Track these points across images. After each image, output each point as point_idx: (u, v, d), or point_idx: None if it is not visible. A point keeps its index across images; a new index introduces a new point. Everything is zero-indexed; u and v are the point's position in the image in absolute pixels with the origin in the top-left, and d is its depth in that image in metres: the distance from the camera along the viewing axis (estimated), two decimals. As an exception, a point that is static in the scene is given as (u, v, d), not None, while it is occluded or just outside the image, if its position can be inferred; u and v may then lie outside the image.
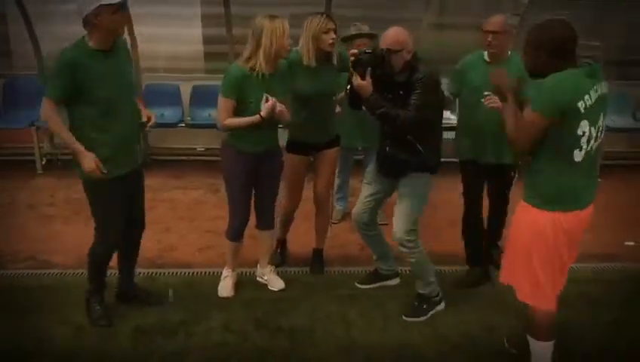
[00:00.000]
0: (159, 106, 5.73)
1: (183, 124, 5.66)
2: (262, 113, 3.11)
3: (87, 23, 2.73)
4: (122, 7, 2.75)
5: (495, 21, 3.30)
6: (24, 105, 5.65)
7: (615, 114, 5.88)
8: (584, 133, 2.35)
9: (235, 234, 3.47)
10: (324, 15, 3.37)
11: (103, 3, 2.68)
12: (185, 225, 4.54)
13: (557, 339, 2.76)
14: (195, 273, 3.81)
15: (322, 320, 3.31)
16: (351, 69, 3.03)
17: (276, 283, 3.63)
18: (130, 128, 2.99)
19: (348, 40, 4.05)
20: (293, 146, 3.57)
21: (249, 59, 3.12)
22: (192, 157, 5.85)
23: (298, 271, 3.84)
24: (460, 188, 3.61)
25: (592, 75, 2.36)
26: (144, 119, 3.08)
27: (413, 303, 3.37)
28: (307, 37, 3.34)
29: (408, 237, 3.17)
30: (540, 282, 2.55)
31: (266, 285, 3.64)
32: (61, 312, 3.31)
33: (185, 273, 3.80)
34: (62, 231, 4.42)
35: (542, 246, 2.50)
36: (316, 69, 3.37)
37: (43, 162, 5.70)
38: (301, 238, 4.08)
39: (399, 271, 3.65)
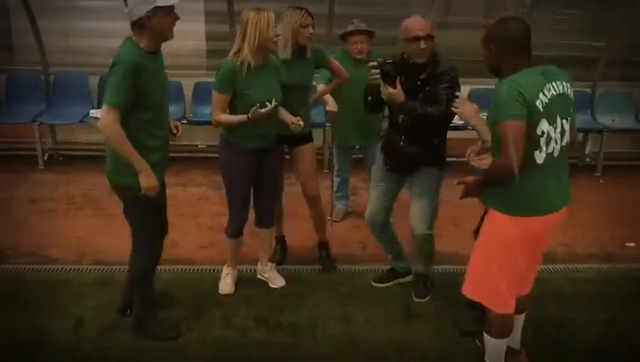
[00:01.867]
0: (161, 103, 5.76)
1: (185, 121, 5.66)
2: (250, 115, 3.09)
3: (138, 25, 2.63)
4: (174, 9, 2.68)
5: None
6: (26, 100, 5.67)
7: (617, 114, 5.88)
8: (543, 132, 2.32)
9: (235, 231, 3.47)
10: (304, 10, 3.39)
11: (158, 5, 2.59)
12: (186, 222, 4.54)
13: (555, 337, 2.77)
14: (196, 270, 3.81)
15: (323, 317, 3.31)
16: (371, 81, 3.09)
17: (277, 281, 3.63)
18: (169, 132, 2.97)
19: (345, 37, 4.07)
20: None
21: (238, 52, 3.13)
22: (193, 154, 5.85)
23: (299, 269, 3.84)
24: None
25: (545, 74, 2.35)
26: (173, 129, 3.05)
27: (419, 284, 3.50)
28: (286, 30, 3.36)
29: (430, 232, 3.30)
30: (499, 287, 2.54)
31: (266, 282, 3.64)
32: (61, 306, 3.32)
33: (186, 270, 3.80)
34: (63, 225, 4.42)
35: (502, 251, 2.48)
36: (291, 62, 3.40)
37: (45, 157, 5.69)
38: (301, 237, 4.09)
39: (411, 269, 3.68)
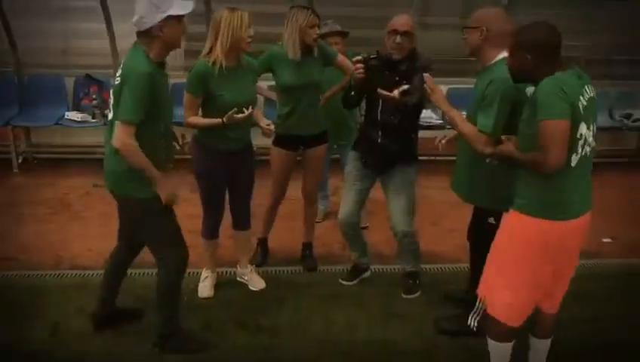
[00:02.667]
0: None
1: (163, 123, 5.60)
2: (225, 120, 3.05)
3: (148, 34, 2.54)
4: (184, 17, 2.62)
5: (474, 15, 2.82)
6: (0, 103, 5.55)
7: (593, 113, 5.97)
8: (581, 135, 2.28)
9: (210, 232, 3.44)
10: (310, 9, 3.39)
11: (171, 13, 2.52)
12: (165, 225, 4.49)
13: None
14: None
15: (303, 318, 3.30)
16: (356, 75, 3.09)
17: (257, 283, 3.61)
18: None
19: (320, 38, 4.04)
20: (280, 140, 3.54)
21: (209, 53, 3.09)
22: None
23: (279, 271, 3.82)
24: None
25: (580, 77, 2.33)
26: (179, 139, 3.01)
27: (407, 281, 3.54)
28: (293, 31, 3.35)
29: (410, 229, 3.33)
30: (511, 295, 2.46)
31: (246, 285, 3.62)
32: (38, 312, 3.26)
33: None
34: (38, 230, 4.33)
35: (520, 254, 2.41)
36: (300, 62, 3.40)
37: (19, 161, 5.59)
38: (281, 238, 4.07)
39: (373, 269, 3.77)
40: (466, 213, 3.15)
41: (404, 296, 3.52)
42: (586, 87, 2.33)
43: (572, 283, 3.70)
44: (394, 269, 3.79)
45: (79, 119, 5.37)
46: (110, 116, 2.68)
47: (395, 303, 3.48)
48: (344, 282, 3.68)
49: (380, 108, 3.20)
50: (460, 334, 3.06)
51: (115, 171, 2.70)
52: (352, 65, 3.16)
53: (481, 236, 2.78)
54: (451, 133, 2.88)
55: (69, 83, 5.64)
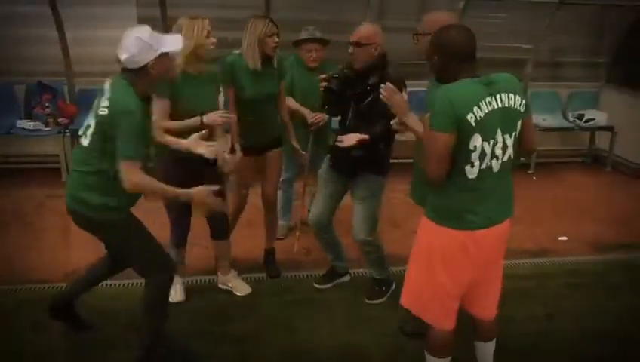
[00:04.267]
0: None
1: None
2: (205, 120, 3.07)
3: (137, 72, 2.49)
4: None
5: (424, 20, 2.82)
6: None
7: (546, 113, 6.14)
8: (475, 147, 2.17)
9: (177, 240, 3.41)
10: (268, 19, 3.38)
11: (164, 51, 2.50)
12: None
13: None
14: (137, 284, 3.67)
15: (268, 326, 3.28)
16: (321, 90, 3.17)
17: (242, 288, 3.59)
18: None
19: (299, 44, 3.96)
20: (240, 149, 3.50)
21: None
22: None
23: (242, 278, 3.77)
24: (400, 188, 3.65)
25: (490, 84, 2.20)
26: None
27: (373, 287, 3.56)
28: (251, 40, 3.32)
29: (371, 238, 3.33)
30: (427, 300, 2.45)
31: (212, 293, 3.57)
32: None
33: (129, 284, 3.66)
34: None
35: (427, 261, 2.39)
36: (259, 72, 3.37)
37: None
38: (244, 245, 4.03)
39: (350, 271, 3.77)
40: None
41: (367, 301, 3.54)
42: (496, 96, 2.18)
43: (528, 281, 3.83)
44: (358, 273, 3.81)
45: (31, 127, 5.20)
46: (85, 143, 2.58)
47: (359, 307, 3.50)
48: (317, 286, 3.68)
49: (349, 115, 3.23)
50: (424, 335, 3.08)
51: (73, 187, 2.61)
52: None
53: None
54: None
55: (20, 91, 5.46)
